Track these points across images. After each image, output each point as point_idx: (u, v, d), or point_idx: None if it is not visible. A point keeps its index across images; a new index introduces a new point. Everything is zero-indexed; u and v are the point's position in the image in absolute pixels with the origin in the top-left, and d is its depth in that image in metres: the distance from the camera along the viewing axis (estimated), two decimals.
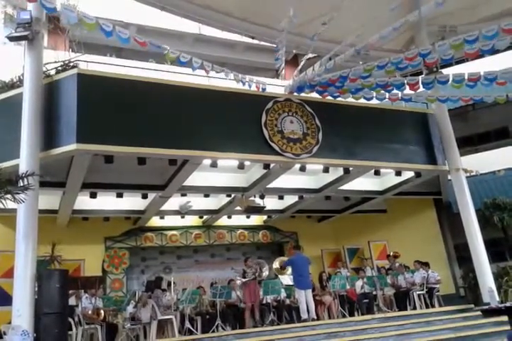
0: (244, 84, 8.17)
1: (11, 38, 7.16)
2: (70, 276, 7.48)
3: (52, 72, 7.90)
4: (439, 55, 7.85)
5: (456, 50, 7.69)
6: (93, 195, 9.50)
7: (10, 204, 5.27)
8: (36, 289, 6.37)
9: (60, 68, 7.97)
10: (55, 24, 11.03)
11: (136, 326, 8.82)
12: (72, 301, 8.20)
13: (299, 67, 9.70)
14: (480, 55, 7.80)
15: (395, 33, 8.21)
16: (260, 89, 8.39)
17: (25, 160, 6.74)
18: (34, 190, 5.93)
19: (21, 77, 7.66)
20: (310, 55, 9.82)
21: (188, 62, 7.47)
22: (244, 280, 9.48)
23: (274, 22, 10.33)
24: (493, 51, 7.76)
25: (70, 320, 7.62)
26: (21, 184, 5.30)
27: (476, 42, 7.43)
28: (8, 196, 5.11)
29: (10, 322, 6.26)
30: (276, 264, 12.00)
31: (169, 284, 9.53)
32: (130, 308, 9.12)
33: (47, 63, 7.87)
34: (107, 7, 14.14)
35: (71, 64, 8.09)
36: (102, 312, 8.93)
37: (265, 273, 10.20)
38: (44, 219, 7.43)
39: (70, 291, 7.59)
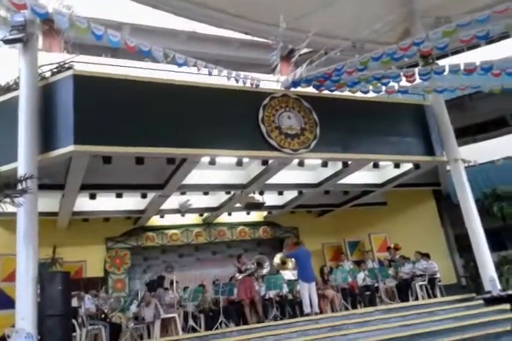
0: (238, 81, 8.18)
1: (5, 41, 7.10)
2: (72, 278, 7.47)
3: (48, 74, 7.88)
4: (433, 43, 7.85)
5: (450, 37, 7.68)
6: (92, 196, 9.53)
7: (10, 208, 5.29)
8: (39, 292, 6.37)
9: (55, 70, 7.94)
10: (50, 26, 10.99)
11: (139, 325, 8.85)
12: (74, 303, 8.21)
13: (293, 61, 9.70)
14: (476, 42, 7.82)
15: (387, 27, 8.21)
16: (254, 86, 8.38)
17: (23, 163, 6.73)
18: (33, 193, 5.93)
19: (17, 80, 7.64)
20: (305, 50, 9.78)
21: (184, 63, 7.53)
22: (240, 276, 9.46)
23: (268, 17, 10.31)
24: (488, 37, 7.76)
25: (74, 321, 7.63)
26: (20, 187, 5.29)
27: (469, 25, 7.43)
28: (7, 200, 5.11)
29: (14, 326, 6.26)
30: (276, 260, 12.01)
31: (171, 283, 9.56)
32: (133, 308, 9.16)
33: (42, 65, 7.85)
34: (101, 7, 14.12)
35: (66, 65, 8.07)
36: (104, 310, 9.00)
37: (266, 268, 10.22)
38: (44, 221, 7.43)
39: (72, 293, 7.59)
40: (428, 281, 10.27)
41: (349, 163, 9.78)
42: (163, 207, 10.81)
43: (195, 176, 9.38)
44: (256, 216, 13.31)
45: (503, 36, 13.33)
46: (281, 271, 11.39)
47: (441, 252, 11.91)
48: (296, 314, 9.54)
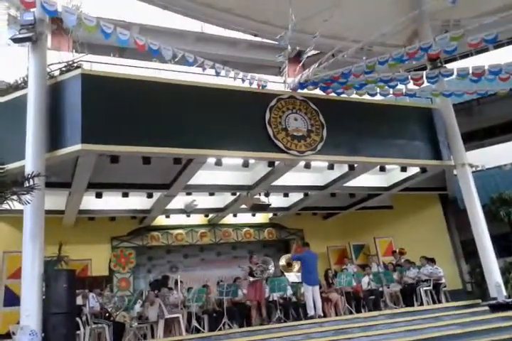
0: (243, 81, 8.19)
1: (15, 40, 7.15)
2: (77, 276, 7.49)
3: (57, 72, 7.92)
4: (441, 47, 7.83)
5: (458, 41, 7.66)
6: (99, 195, 9.55)
7: (17, 205, 5.31)
8: (44, 289, 6.39)
9: (64, 69, 7.99)
10: (59, 25, 11.06)
11: (143, 325, 8.85)
12: (79, 301, 8.24)
13: (301, 63, 9.70)
14: (484, 46, 7.82)
15: (396, 29, 8.21)
16: (260, 87, 8.39)
17: (30, 161, 6.76)
18: (40, 191, 5.96)
19: (26, 79, 7.69)
20: (312, 52, 9.78)
21: (192, 63, 7.57)
22: (252, 279, 9.44)
23: (276, 19, 10.33)
24: (497, 41, 7.73)
25: (78, 319, 7.64)
26: (27, 185, 5.32)
27: (477, 30, 7.43)
28: (15, 197, 5.14)
29: (18, 323, 6.28)
30: (282, 262, 11.99)
31: (176, 283, 9.56)
32: (137, 307, 9.16)
33: (51, 64, 7.89)
34: (110, 7, 14.20)
35: (75, 64, 8.11)
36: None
37: (271, 270, 10.21)
38: (50, 219, 7.45)
39: (77, 291, 7.62)
40: (433, 286, 10.21)
41: (355, 165, 9.75)
42: (169, 207, 10.83)
43: (201, 177, 9.39)
44: (261, 217, 13.31)
45: None
46: (285, 273, 11.37)
47: (446, 257, 11.85)
48: (300, 317, 9.51)
